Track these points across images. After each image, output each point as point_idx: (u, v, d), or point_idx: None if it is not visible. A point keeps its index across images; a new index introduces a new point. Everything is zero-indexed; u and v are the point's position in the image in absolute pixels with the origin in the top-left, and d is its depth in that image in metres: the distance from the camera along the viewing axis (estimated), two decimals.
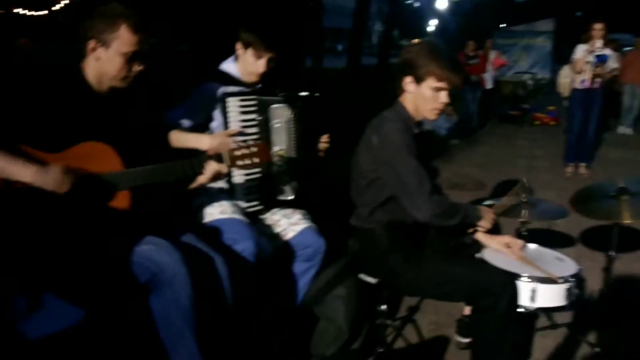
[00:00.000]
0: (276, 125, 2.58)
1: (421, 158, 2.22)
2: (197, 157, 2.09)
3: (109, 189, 1.90)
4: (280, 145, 2.59)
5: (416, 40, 2.35)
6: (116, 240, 1.94)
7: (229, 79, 2.63)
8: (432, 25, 32.21)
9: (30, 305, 1.84)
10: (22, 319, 1.81)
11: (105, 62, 2.01)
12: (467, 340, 2.74)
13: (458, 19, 26.05)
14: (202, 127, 2.57)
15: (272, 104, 2.57)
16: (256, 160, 2.13)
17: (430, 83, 2.21)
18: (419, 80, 2.23)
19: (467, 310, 2.67)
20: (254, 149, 2.12)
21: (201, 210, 2.51)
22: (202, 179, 2.12)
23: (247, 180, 2.58)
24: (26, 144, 1.84)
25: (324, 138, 2.74)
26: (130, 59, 2.02)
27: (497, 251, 2.38)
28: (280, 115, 2.59)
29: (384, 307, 2.50)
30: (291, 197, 2.69)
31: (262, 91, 2.62)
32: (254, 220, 2.59)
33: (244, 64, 2.63)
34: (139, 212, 2.01)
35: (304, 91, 2.70)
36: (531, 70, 15.32)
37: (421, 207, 2.16)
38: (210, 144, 2.34)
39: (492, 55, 10.06)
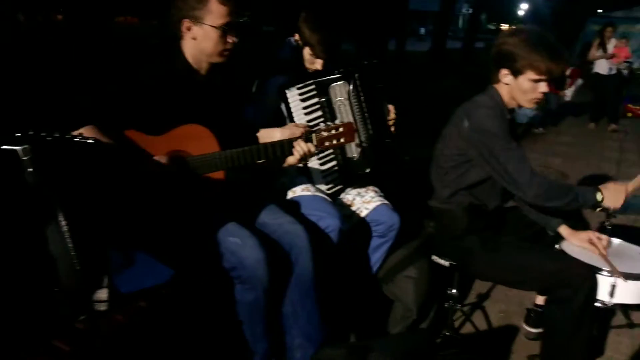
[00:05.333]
0: (339, 104, 2.60)
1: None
2: (287, 139, 2.12)
3: (206, 169, 2.02)
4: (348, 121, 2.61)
5: (508, 28, 2.27)
6: (209, 213, 2.05)
7: (290, 68, 2.64)
8: (522, 9, 30.86)
9: (125, 261, 2.01)
10: (117, 273, 1.98)
11: (202, 39, 2.05)
12: (534, 330, 2.71)
13: (551, 3, 24.85)
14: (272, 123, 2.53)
15: (331, 83, 2.58)
16: (342, 140, 2.14)
17: (530, 76, 2.15)
18: (516, 73, 2.17)
19: (539, 299, 2.63)
20: (341, 130, 2.13)
21: (284, 189, 2.57)
22: (291, 160, 2.18)
23: (324, 163, 2.61)
24: (131, 127, 1.98)
25: (391, 110, 2.72)
26: (225, 31, 2.05)
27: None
28: (341, 92, 2.59)
29: (454, 290, 2.51)
30: (367, 170, 2.69)
31: (321, 72, 2.61)
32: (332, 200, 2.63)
33: (304, 54, 2.64)
34: (230, 189, 2.12)
35: (386, 74, 2.69)
36: (628, 60, 14.36)
37: (524, 188, 2.12)
38: (281, 137, 2.40)
39: (612, 43, 9.23)
